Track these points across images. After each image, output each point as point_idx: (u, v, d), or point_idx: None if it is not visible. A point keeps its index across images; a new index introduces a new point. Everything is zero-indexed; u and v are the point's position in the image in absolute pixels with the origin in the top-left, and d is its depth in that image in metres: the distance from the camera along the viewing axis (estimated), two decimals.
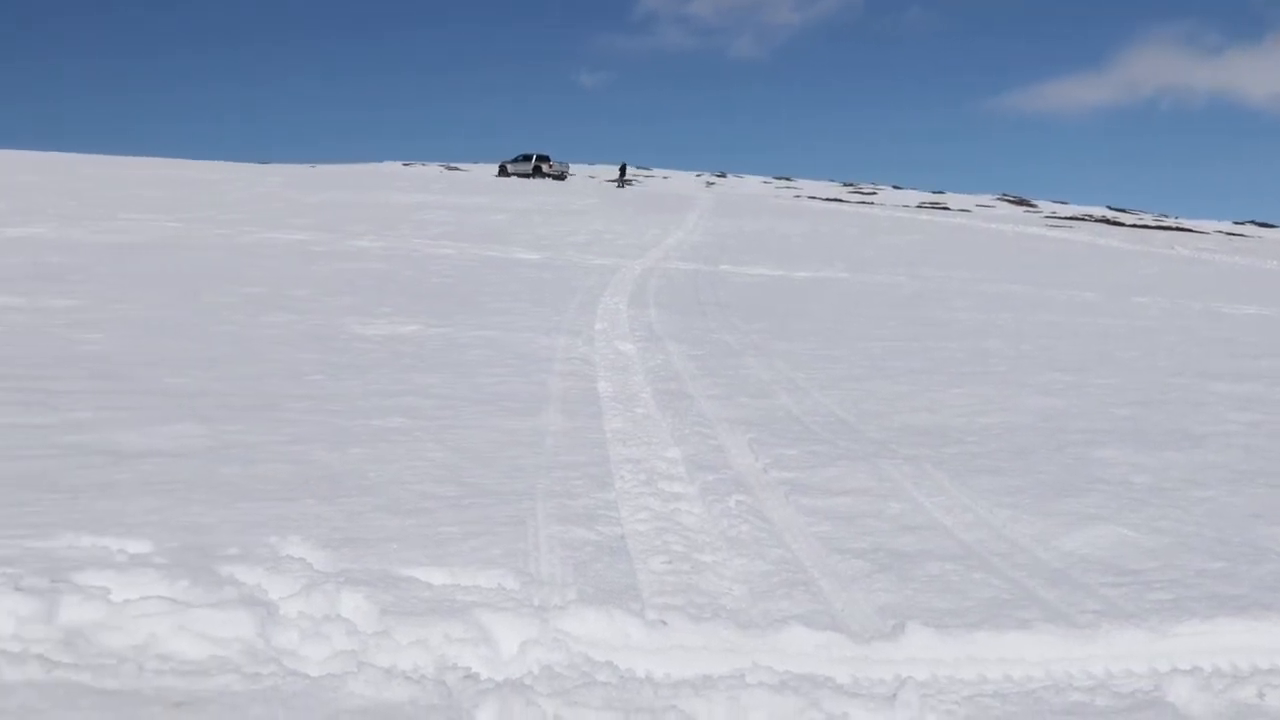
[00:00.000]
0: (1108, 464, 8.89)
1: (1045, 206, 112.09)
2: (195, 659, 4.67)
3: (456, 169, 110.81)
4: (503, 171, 74.44)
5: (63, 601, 4.96)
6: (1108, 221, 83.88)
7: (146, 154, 69.98)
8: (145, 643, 4.75)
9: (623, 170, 78.86)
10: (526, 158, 74.16)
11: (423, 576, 5.70)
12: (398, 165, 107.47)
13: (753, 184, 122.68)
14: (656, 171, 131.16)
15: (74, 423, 8.59)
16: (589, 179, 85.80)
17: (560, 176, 72.61)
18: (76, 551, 5.74)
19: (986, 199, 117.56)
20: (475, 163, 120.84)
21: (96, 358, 11.34)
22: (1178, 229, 78.03)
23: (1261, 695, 4.87)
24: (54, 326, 13.05)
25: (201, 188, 40.78)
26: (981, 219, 61.89)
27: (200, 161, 64.62)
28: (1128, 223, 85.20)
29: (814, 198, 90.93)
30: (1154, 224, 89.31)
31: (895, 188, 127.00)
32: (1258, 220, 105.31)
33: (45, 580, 5.19)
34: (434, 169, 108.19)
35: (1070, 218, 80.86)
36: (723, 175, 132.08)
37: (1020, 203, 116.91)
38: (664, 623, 5.26)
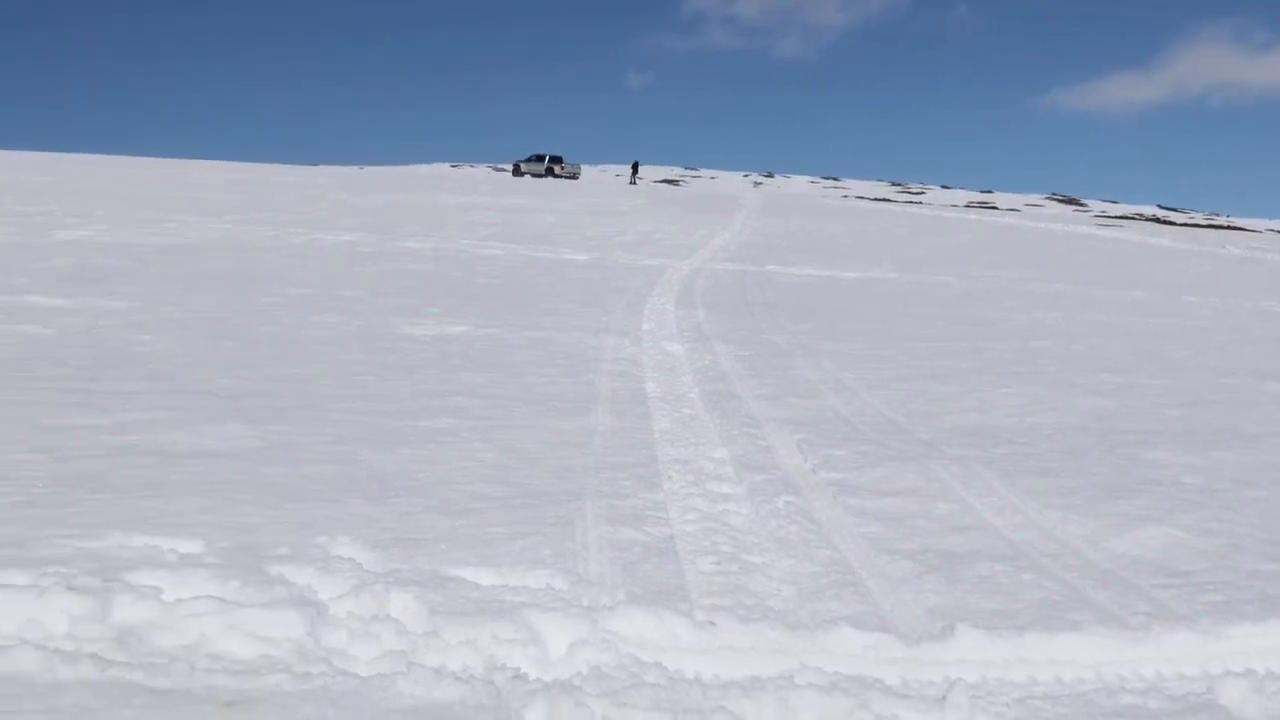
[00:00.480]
0: (1158, 465, 8.82)
1: (1095, 206, 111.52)
2: (246, 658, 4.70)
3: (504, 170, 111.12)
4: (517, 171, 76.67)
5: (115, 601, 4.99)
6: (1158, 220, 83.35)
7: (195, 156, 70.67)
8: (196, 642, 4.78)
9: (635, 168, 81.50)
10: (540, 158, 75.96)
11: (471, 577, 5.71)
12: (445, 167, 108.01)
13: (800, 184, 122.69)
14: (704, 172, 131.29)
15: (124, 423, 8.66)
16: (615, 177, 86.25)
17: (573, 176, 74.20)
18: (128, 551, 5.78)
19: (1035, 198, 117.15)
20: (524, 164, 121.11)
21: (146, 359, 11.43)
22: (1229, 228, 77.46)
23: None
24: (105, 328, 13.15)
25: (250, 190, 41.03)
26: (1030, 218, 61.56)
27: (249, 164, 65.07)
28: (1178, 221, 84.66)
29: (862, 198, 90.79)
30: (1205, 223, 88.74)
31: (943, 187, 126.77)
32: None
33: (98, 580, 5.23)
34: (482, 170, 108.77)
35: (1120, 217, 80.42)
36: (770, 175, 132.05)
37: (1069, 202, 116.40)
38: (712, 624, 5.25)
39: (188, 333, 13.16)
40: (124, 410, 9.09)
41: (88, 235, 23.41)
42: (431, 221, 32.42)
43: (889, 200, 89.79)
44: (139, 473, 7.33)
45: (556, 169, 74.99)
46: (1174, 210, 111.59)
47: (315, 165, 76.40)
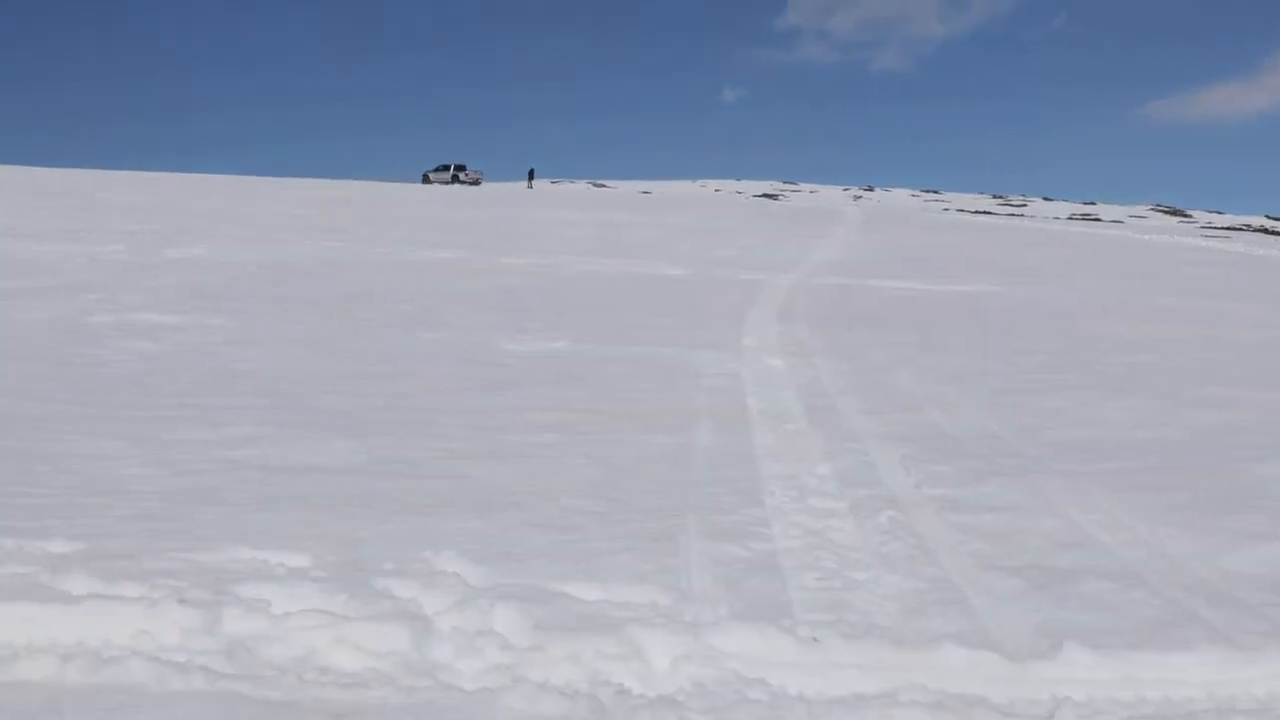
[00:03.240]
0: (1270, 480, 8.64)
1: (1200, 216, 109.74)
2: (353, 671, 4.76)
3: (603, 186, 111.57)
4: (425, 180, 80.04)
5: (225, 614, 5.08)
6: (1266, 231, 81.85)
7: (298, 174, 72.00)
8: (304, 655, 4.85)
9: (531, 174, 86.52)
10: (445, 167, 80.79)
11: (575, 592, 5.74)
12: (545, 183, 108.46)
13: (900, 197, 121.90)
14: (803, 186, 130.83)
15: (234, 439, 8.80)
16: (548, 186, 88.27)
17: (475, 183, 79.04)
18: (238, 565, 5.88)
19: (1139, 209, 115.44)
20: (622, 179, 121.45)
21: (255, 375, 11.61)
22: None
23: None
24: (214, 345, 13.37)
25: (352, 207, 41.50)
26: (1134, 230, 60.78)
27: (351, 181, 65.76)
28: None
29: (963, 211, 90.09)
30: None
31: (1045, 199, 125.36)
32: None
33: (209, 593, 5.32)
34: (581, 186, 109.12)
35: (1227, 228, 79.14)
36: (870, 189, 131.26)
37: (1174, 213, 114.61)
38: (816, 640, 5.23)
39: (296, 349, 13.35)
40: (234, 425, 9.24)
41: (197, 253, 23.80)
42: (531, 237, 32.60)
43: (990, 213, 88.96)
44: (249, 487, 7.45)
45: (461, 176, 79.78)
46: None
47: (415, 183, 77.35)
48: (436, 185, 73.96)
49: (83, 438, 8.66)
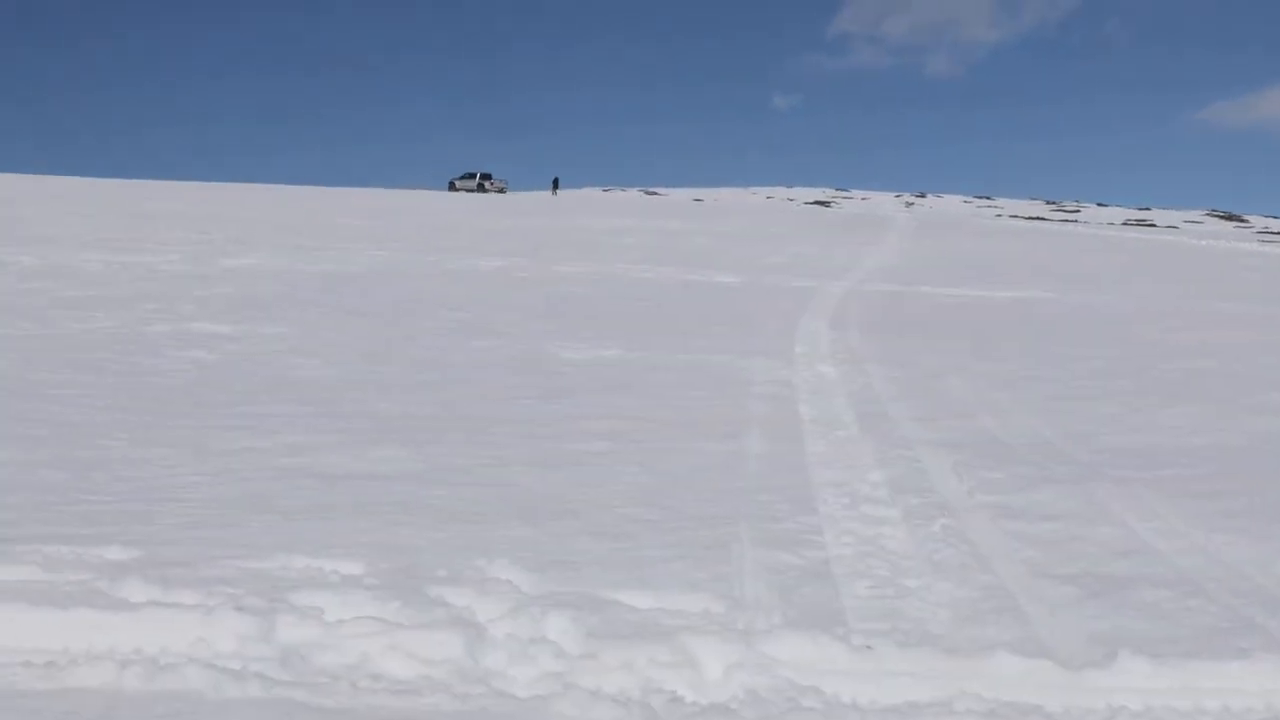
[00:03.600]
0: None
1: (1257, 221, 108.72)
2: (406, 679, 4.78)
3: (655, 193, 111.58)
4: (451, 187, 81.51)
5: (279, 621, 5.11)
6: None
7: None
8: (358, 662, 4.88)
9: (555, 183, 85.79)
10: (471, 175, 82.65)
11: (627, 600, 5.74)
12: (596, 191, 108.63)
13: (953, 203, 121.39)
14: (855, 193, 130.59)
15: (288, 446, 8.86)
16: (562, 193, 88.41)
17: (500, 191, 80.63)
18: (292, 572, 5.92)
19: (1195, 215, 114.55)
20: (674, 187, 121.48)
21: (308, 384, 11.68)
22: None
23: None
24: (267, 354, 13.46)
25: (402, 216, 41.71)
26: (1190, 236, 60.27)
27: (399, 191, 66.12)
28: None
29: (1015, 217, 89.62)
30: None
31: (1099, 205, 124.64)
32: None
33: (264, 600, 5.36)
34: (633, 194, 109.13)
35: None
36: (922, 195, 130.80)
37: (1230, 218, 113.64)
38: (869, 648, 5.21)
39: (348, 357, 13.42)
40: (288, 434, 9.30)
41: (251, 263, 23.98)
42: (584, 245, 32.66)
43: (1043, 219, 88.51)
44: (303, 495, 7.50)
45: (486, 184, 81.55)
46: None
47: (439, 190, 77.98)
48: (463, 193, 75.25)
49: (138, 446, 8.74)
